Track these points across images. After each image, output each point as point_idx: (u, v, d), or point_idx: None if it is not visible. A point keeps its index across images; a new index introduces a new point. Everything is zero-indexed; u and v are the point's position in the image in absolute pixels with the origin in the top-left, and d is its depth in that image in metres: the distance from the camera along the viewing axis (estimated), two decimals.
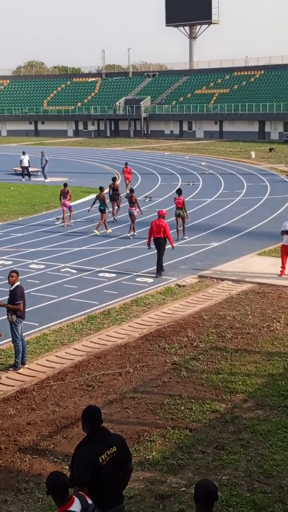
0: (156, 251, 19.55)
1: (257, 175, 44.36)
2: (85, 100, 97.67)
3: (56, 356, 13.19)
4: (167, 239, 19.43)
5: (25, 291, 12.91)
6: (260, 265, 19.96)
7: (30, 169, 45.70)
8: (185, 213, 24.20)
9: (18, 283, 12.66)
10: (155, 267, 19.32)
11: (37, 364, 12.85)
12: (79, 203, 33.29)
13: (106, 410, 10.52)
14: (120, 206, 28.77)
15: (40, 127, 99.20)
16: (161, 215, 19.64)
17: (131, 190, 26.32)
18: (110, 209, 27.83)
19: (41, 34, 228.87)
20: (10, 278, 12.66)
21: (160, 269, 19.36)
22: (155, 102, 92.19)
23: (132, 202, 25.05)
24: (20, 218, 29.37)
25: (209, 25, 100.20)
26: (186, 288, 18.02)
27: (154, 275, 19.25)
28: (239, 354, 13.00)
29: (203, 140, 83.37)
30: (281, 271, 18.78)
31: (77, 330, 14.74)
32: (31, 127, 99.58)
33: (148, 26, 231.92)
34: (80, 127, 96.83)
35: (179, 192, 24.70)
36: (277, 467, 8.93)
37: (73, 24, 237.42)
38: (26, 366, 12.67)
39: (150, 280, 18.84)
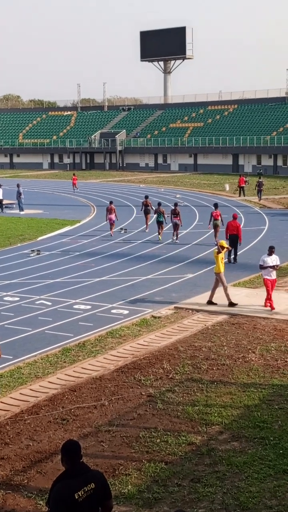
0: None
1: (231, 207, 44.75)
2: (61, 133, 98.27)
3: (30, 389, 13.03)
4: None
5: None
6: (235, 296, 20.01)
7: (6, 202, 45.85)
8: (221, 223, 29.53)
9: None
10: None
11: (11, 397, 12.67)
12: (54, 235, 33.28)
13: (81, 443, 10.29)
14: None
15: (16, 159, 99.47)
16: (235, 217, 25.74)
17: (175, 204, 31.00)
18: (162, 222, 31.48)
19: (18, 67, 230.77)
20: None
21: (235, 258, 25.60)
22: (130, 135, 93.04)
23: (175, 213, 30.25)
24: None
25: (183, 60, 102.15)
26: (162, 319, 18.01)
27: (232, 262, 25.20)
28: (215, 385, 12.97)
29: (177, 172, 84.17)
30: (270, 305, 18.47)
31: (52, 363, 14.61)
32: (6, 159, 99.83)
33: (123, 61, 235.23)
34: (56, 160, 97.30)
35: (215, 206, 30.24)
36: (253, 499, 8.86)
37: (49, 58, 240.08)
38: None
39: (126, 311, 18.81)
